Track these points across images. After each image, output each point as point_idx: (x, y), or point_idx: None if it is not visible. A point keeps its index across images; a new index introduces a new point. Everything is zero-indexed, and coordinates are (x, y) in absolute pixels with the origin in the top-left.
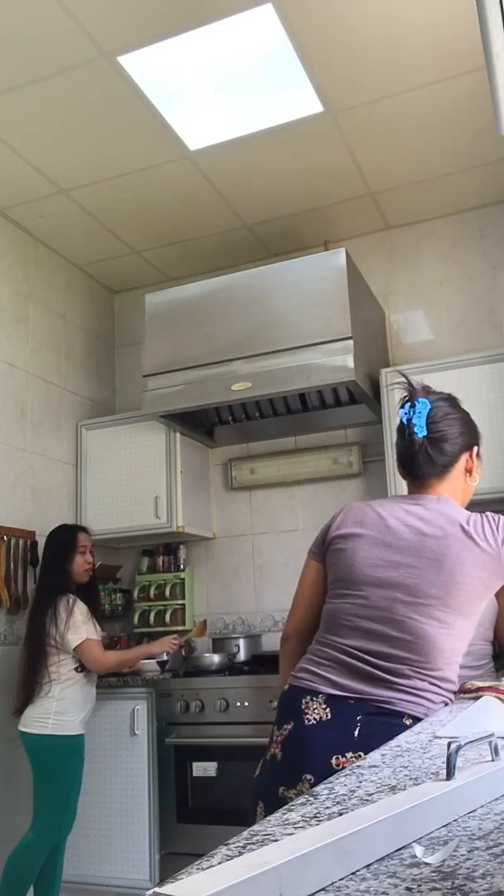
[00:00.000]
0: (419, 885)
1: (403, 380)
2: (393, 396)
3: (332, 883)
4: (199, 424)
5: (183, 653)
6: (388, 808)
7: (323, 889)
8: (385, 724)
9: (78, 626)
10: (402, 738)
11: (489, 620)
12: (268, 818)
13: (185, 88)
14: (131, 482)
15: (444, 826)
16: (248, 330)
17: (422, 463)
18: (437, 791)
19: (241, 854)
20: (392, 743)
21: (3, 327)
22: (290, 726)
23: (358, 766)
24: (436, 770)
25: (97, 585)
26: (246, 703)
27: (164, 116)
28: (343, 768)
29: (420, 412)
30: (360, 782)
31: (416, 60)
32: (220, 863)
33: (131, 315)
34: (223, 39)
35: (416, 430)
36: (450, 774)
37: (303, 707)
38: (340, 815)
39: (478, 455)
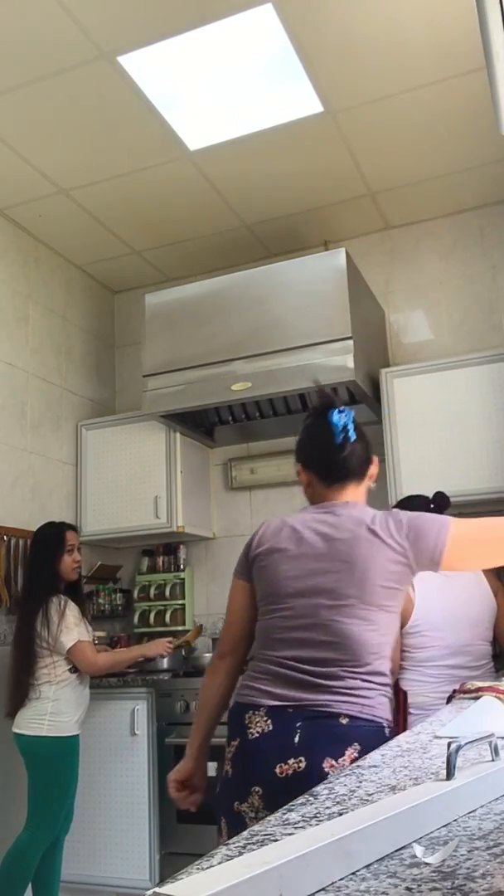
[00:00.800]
0: (419, 885)
1: (324, 391)
2: (393, 396)
3: (332, 883)
4: (199, 424)
5: (183, 653)
6: (388, 808)
7: (323, 889)
8: (323, 727)
9: (70, 628)
10: (402, 738)
11: (488, 620)
12: (267, 818)
13: (185, 88)
14: (131, 482)
15: (444, 826)
16: (248, 330)
17: (351, 466)
18: (437, 791)
19: (241, 854)
20: (392, 743)
21: (3, 327)
22: (236, 742)
23: (358, 765)
24: (436, 770)
25: (82, 584)
26: None
27: (164, 116)
28: (287, 776)
29: (350, 417)
30: (360, 782)
31: (416, 61)
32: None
33: (131, 315)
34: (223, 39)
35: (350, 434)
36: (450, 774)
37: (246, 722)
38: (340, 815)
39: (376, 465)
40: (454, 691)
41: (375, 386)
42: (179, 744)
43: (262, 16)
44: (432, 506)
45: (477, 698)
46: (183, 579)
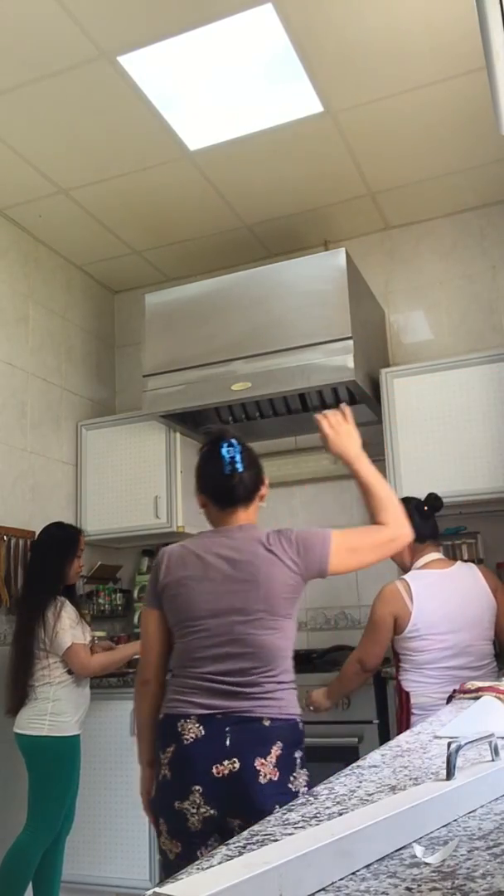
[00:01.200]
0: (419, 885)
1: (212, 429)
2: (393, 396)
3: (332, 883)
4: (199, 424)
5: None
6: (388, 808)
7: (323, 889)
8: (249, 730)
9: (65, 630)
10: (402, 738)
11: (488, 620)
12: (267, 818)
13: (185, 88)
14: (131, 482)
15: (444, 826)
16: (248, 330)
17: (239, 494)
18: (437, 791)
19: (241, 854)
20: (392, 743)
21: (3, 327)
22: (171, 748)
23: (358, 765)
24: (436, 770)
25: (77, 586)
26: None
27: (164, 116)
28: (223, 775)
29: (237, 450)
30: (360, 782)
31: (416, 61)
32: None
33: (131, 315)
34: (223, 39)
35: (238, 465)
36: (450, 774)
37: (179, 729)
38: (340, 815)
39: (265, 487)
40: (454, 691)
41: (375, 386)
42: None
43: (262, 16)
44: (426, 508)
45: (477, 698)
46: None
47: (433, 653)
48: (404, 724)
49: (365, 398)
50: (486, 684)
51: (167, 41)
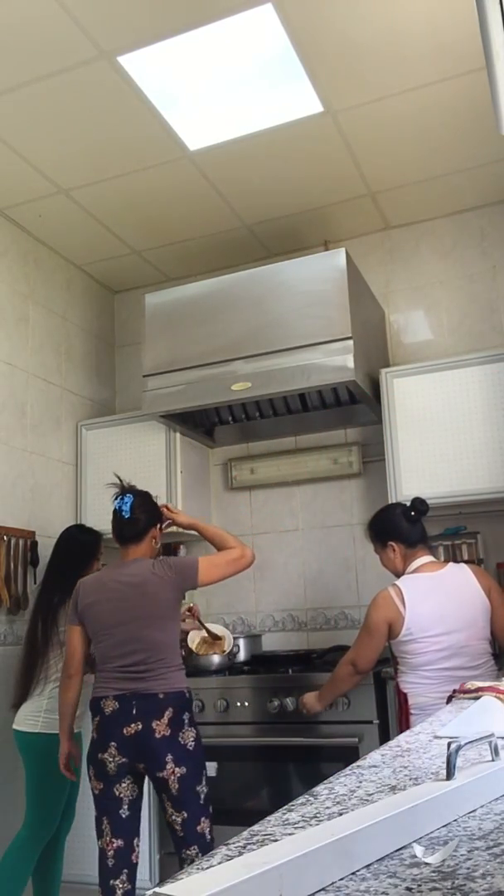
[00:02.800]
0: (419, 885)
1: (117, 482)
2: (393, 396)
3: (332, 883)
4: (199, 424)
5: (182, 652)
6: (388, 808)
7: (323, 889)
8: (149, 701)
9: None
10: (402, 738)
11: (483, 619)
12: (267, 818)
13: (185, 88)
14: (131, 482)
15: (444, 826)
16: (248, 330)
17: (126, 534)
18: (437, 791)
19: (241, 854)
20: (392, 743)
21: (2, 327)
22: (97, 718)
23: (358, 765)
24: (436, 770)
25: None
26: (246, 703)
27: (164, 116)
28: (131, 734)
29: (126, 502)
30: (360, 782)
31: (416, 60)
32: (220, 863)
33: (131, 315)
34: (223, 39)
35: (123, 513)
36: (450, 774)
37: (102, 706)
38: (340, 815)
39: (160, 529)
40: (454, 691)
41: (375, 386)
42: None
43: (262, 16)
44: (412, 513)
45: (477, 698)
46: None
47: (428, 654)
48: (404, 725)
49: (365, 398)
50: (486, 684)
51: (167, 41)
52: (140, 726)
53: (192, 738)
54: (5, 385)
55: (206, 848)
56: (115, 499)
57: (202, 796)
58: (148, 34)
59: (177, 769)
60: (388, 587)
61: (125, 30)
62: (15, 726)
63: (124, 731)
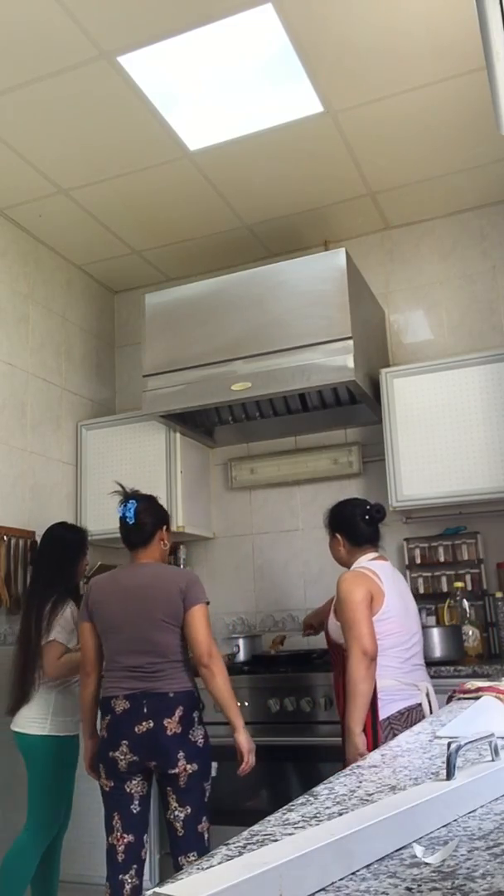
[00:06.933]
0: (419, 885)
1: (119, 488)
2: (393, 396)
3: (332, 883)
4: (199, 424)
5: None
6: (388, 808)
7: (323, 889)
8: (160, 700)
9: (54, 626)
10: (402, 738)
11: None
12: (267, 818)
13: (185, 88)
14: (131, 482)
15: (444, 826)
16: (248, 330)
17: (135, 539)
18: (437, 791)
19: (241, 854)
20: (392, 743)
21: (2, 327)
22: (108, 717)
23: (358, 765)
24: (436, 770)
25: (79, 587)
26: (246, 703)
27: (164, 116)
28: (142, 732)
29: (130, 508)
30: (360, 782)
31: (416, 60)
32: (220, 863)
33: (131, 315)
34: (223, 39)
35: (128, 519)
36: (450, 774)
37: (112, 705)
38: (340, 815)
39: (167, 530)
40: (454, 691)
41: (375, 386)
42: None
43: (262, 16)
44: (367, 517)
45: (477, 698)
46: None
47: (399, 636)
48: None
49: (365, 398)
50: (486, 684)
51: (167, 41)
52: (152, 724)
53: (201, 736)
54: (5, 385)
55: (204, 854)
56: (119, 506)
57: (206, 794)
58: (148, 34)
59: (188, 766)
60: (354, 569)
61: (125, 30)
62: (18, 728)
63: (136, 730)
